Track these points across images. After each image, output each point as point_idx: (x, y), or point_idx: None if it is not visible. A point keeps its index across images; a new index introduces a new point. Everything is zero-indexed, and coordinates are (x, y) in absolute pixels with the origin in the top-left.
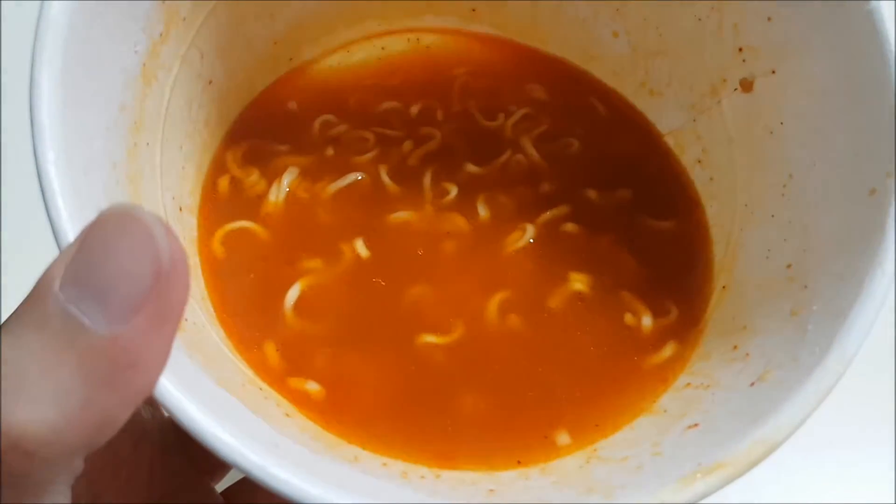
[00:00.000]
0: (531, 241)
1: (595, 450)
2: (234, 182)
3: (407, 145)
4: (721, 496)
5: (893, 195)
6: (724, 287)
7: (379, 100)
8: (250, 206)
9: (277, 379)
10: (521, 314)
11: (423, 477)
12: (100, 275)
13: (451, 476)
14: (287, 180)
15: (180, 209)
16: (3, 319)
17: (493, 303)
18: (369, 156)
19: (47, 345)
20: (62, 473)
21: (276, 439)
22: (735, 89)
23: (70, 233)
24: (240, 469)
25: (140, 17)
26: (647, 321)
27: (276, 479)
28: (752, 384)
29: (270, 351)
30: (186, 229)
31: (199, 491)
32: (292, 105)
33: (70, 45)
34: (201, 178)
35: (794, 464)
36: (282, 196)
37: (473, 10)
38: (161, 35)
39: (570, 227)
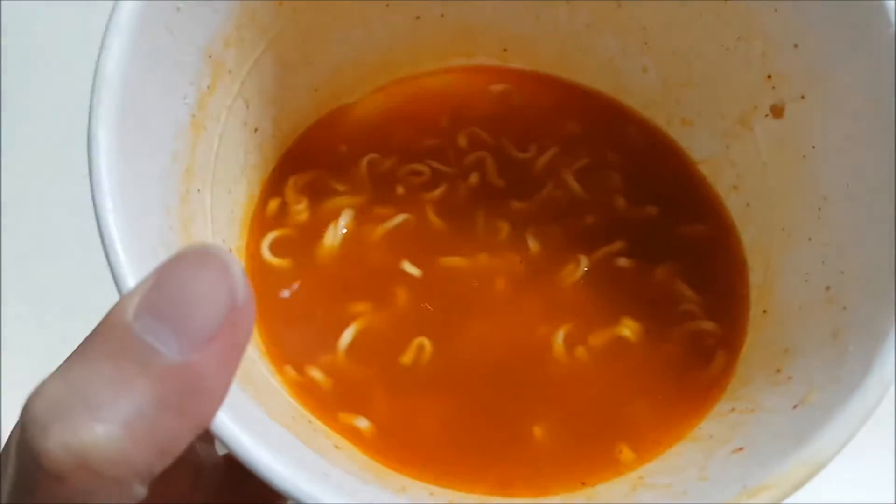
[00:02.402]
0: (586, 270)
1: (641, 477)
2: (283, 211)
3: (450, 184)
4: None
5: None
6: (764, 311)
7: (419, 138)
8: (301, 246)
9: (328, 413)
10: (585, 345)
11: None
12: (177, 305)
13: None
14: (343, 221)
15: (231, 251)
16: (3, 320)
17: (559, 336)
18: (415, 195)
19: (120, 369)
20: (125, 496)
21: (326, 469)
22: (766, 115)
23: (129, 276)
24: (293, 498)
25: (189, 71)
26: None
27: None
28: (795, 406)
29: (323, 385)
30: None
31: None
32: (341, 147)
33: (124, 100)
34: (248, 221)
35: None
36: (338, 238)
37: (505, 49)
38: (209, 87)
39: (623, 261)
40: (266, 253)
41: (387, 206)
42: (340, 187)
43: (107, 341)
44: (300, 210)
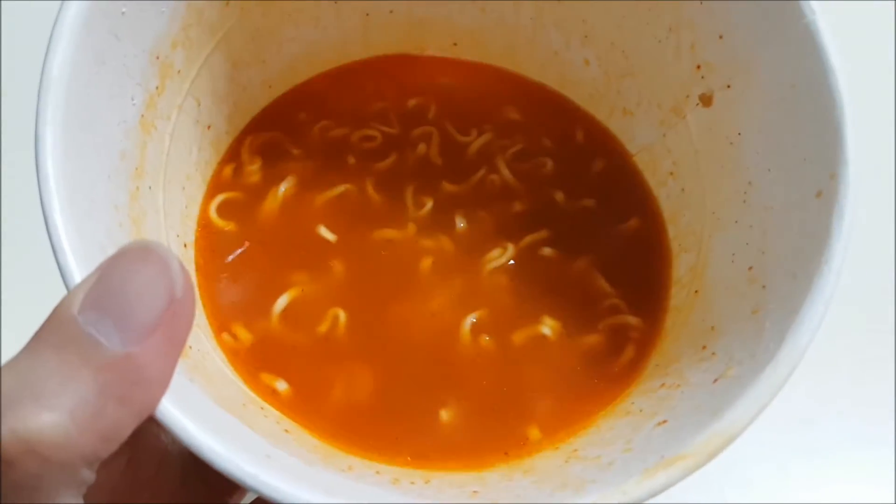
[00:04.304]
0: (511, 262)
1: (575, 450)
2: (237, 173)
3: (388, 160)
4: (722, 496)
5: (837, 195)
6: (696, 291)
7: (369, 105)
8: (248, 209)
9: (250, 372)
10: (493, 335)
11: (413, 482)
12: (119, 300)
13: (439, 480)
14: (284, 187)
15: (185, 245)
16: (3, 320)
17: (467, 321)
18: (363, 163)
19: (66, 361)
20: (72, 480)
21: (269, 451)
22: (697, 104)
23: (76, 272)
24: (233, 478)
25: (136, 72)
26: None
27: (267, 485)
28: (716, 381)
29: (248, 344)
30: (190, 263)
31: None
32: (300, 115)
33: (69, 101)
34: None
35: (795, 464)
36: (278, 202)
37: (455, 44)
38: (157, 88)
39: (547, 251)
40: (213, 214)
41: (332, 174)
42: (295, 150)
43: (53, 334)
44: (253, 171)
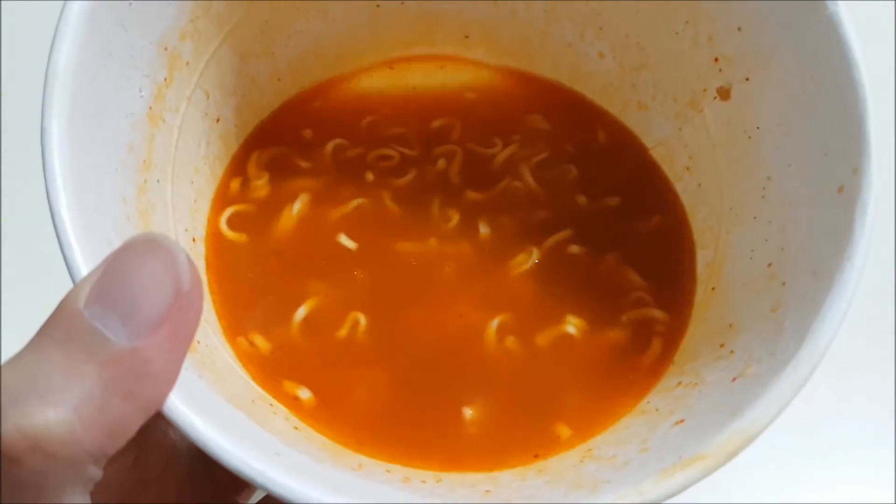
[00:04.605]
0: (536, 261)
1: (590, 450)
2: (244, 187)
3: (411, 172)
4: (721, 496)
5: (860, 190)
6: (713, 288)
7: (383, 128)
8: (259, 222)
9: (272, 381)
10: (519, 336)
11: (424, 481)
12: (124, 293)
13: (451, 479)
14: (298, 205)
15: (193, 240)
16: (3, 319)
17: (493, 324)
18: (374, 180)
19: (71, 356)
20: (78, 477)
21: (278, 448)
22: (714, 98)
23: (83, 266)
24: (241, 475)
25: (143, 65)
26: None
27: (276, 482)
28: (734, 380)
29: (269, 353)
30: (200, 259)
31: None
32: (306, 132)
33: (76, 94)
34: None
35: (795, 464)
36: (293, 219)
37: (466, 36)
38: (165, 80)
39: (574, 248)
40: (224, 227)
41: (345, 189)
42: (304, 164)
43: (58, 329)
44: (260, 186)
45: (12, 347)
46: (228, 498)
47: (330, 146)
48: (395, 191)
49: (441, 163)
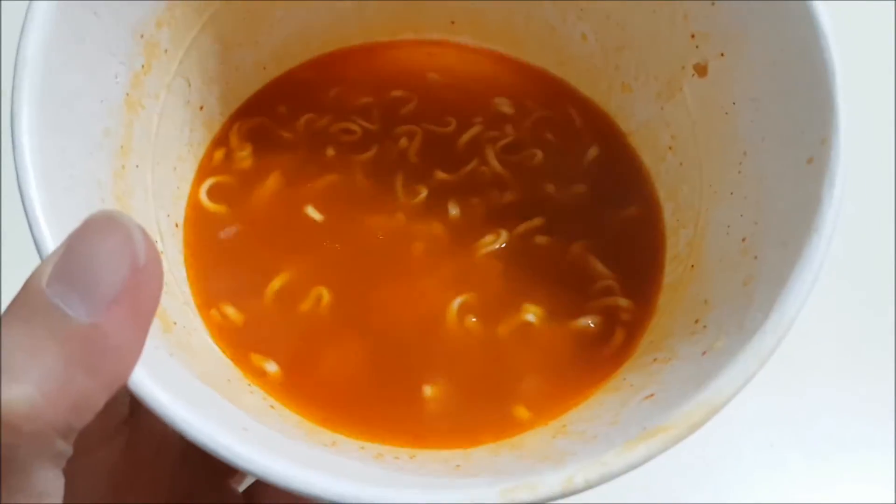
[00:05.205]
0: (503, 244)
1: (564, 426)
2: (227, 158)
3: (378, 148)
4: (721, 496)
5: (828, 161)
6: (692, 266)
7: (354, 98)
8: (238, 194)
9: (245, 360)
10: (481, 317)
11: (397, 458)
12: (83, 271)
13: (425, 456)
14: (274, 179)
15: (176, 225)
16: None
17: (454, 305)
18: (346, 155)
19: (33, 334)
20: (46, 451)
21: (247, 424)
22: (692, 75)
23: (51, 244)
24: (207, 449)
25: (118, 51)
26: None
27: (241, 456)
28: (704, 353)
29: (239, 325)
30: (181, 244)
31: (220, 492)
32: (281, 108)
33: (47, 79)
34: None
35: (795, 464)
36: (268, 191)
37: (452, 22)
38: (143, 67)
39: (541, 239)
40: (203, 197)
41: (319, 164)
42: (286, 135)
43: (22, 307)
44: (244, 157)
45: None
46: (222, 482)
47: (303, 120)
48: (364, 165)
49: (403, 141)
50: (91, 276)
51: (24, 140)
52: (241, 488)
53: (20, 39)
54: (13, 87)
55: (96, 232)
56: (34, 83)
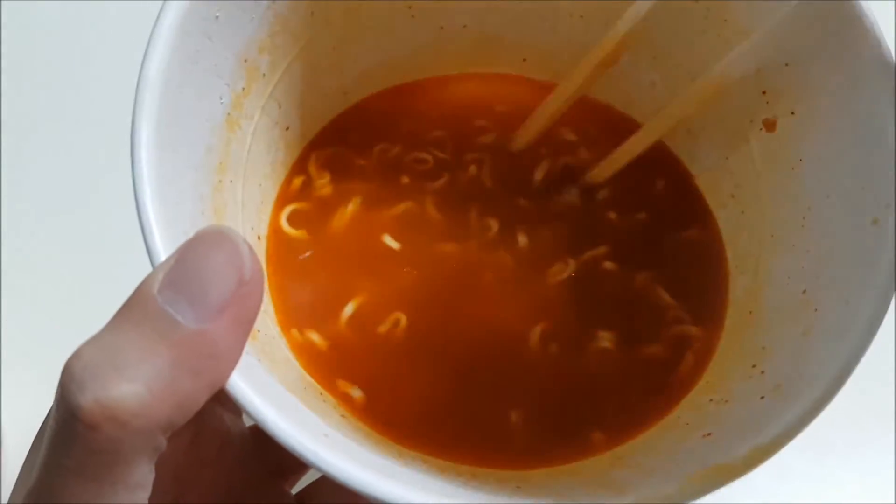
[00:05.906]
0: (572, 273)
1: (620, 457)
2: (306, 185)
3: (450, 177)
4: (722, 496)
5: (892, 224)
6: (750, 312)
7: (426, 130)
8: (317, 220)
9: (330, 384)
10: (559, 343)
11: (459, 474)
12: (193, 281)
13: (486, 474)
14: (352, 206)
15: (259, 238)
16: (2, 312)
17: (535, 332)
18: (418, 184)
19: (145, 336)
20: (148, 445)
21: (327, 431)
22: (760, 129)
23: (162, 253)
24: (294, 452)
25: (225, 74)
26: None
27: (326, 462)
28: (762, 398)
29: (323, 351)
30: (262, 255)
31: (274, 493)
32: (354, 136)
33: (163, 99)
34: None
35: (795, 464)
36: (346, 218)
37: (524, 60)
38: (243, 89)
39: (608, 265)
40: (284, 223)
41: (392, 193)
42: (361, 161)
43: (134, 311)
44: (323, 184)
45: (13, 347)
46: (276, 484)
47: (376, 150)
48: (436, 195)
49: (472, 168)
50: (200, 286)
51: (142, 155)
52: (294, 491)
53: (143, 60)
54: (135, 104)
55: (207, 245)
56: (153, 101)
